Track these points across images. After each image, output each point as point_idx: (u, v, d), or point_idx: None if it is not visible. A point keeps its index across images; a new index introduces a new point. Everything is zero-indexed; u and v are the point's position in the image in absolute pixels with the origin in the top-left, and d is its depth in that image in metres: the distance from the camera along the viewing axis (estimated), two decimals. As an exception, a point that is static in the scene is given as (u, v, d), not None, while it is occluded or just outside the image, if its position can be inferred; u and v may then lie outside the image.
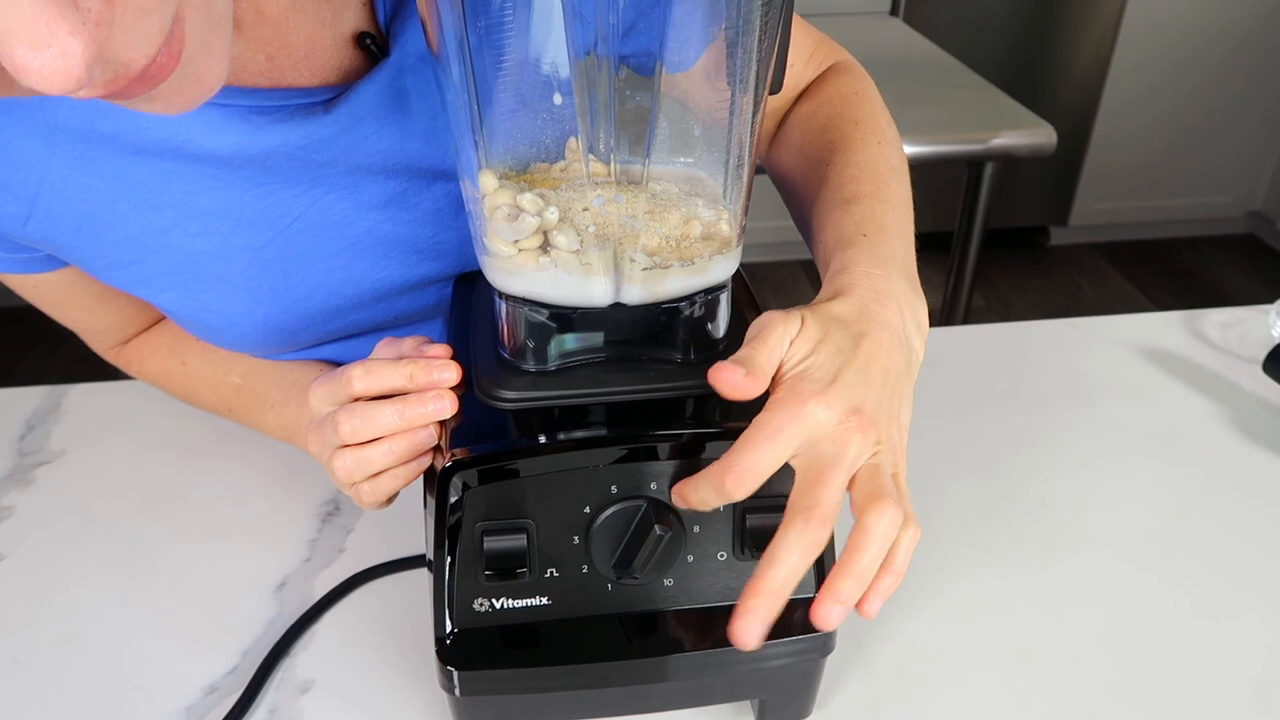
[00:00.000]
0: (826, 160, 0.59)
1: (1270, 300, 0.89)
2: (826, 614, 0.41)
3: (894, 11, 2.57)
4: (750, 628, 0.40)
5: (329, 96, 0.54)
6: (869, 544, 0.41)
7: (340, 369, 0.50)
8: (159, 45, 0.33)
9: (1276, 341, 0.81)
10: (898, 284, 0.48)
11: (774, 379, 0.42)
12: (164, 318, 0.70)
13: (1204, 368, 0.85)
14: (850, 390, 0.42)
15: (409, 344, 0.51)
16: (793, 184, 0.64)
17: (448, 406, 0.48)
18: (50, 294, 0.63)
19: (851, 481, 0.42)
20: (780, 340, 0.42)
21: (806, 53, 0.68)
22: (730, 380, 0.40)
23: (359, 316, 0.63)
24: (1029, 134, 1.57)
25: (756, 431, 0.41)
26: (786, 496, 0.47)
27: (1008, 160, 1.60)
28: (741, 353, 0.42)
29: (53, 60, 0.28)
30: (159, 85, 0.35)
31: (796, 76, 0.68)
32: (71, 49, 0.28)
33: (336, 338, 0.65)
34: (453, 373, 0.48)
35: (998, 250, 2.98)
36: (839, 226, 0.52)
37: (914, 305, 0.49)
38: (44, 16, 0.27)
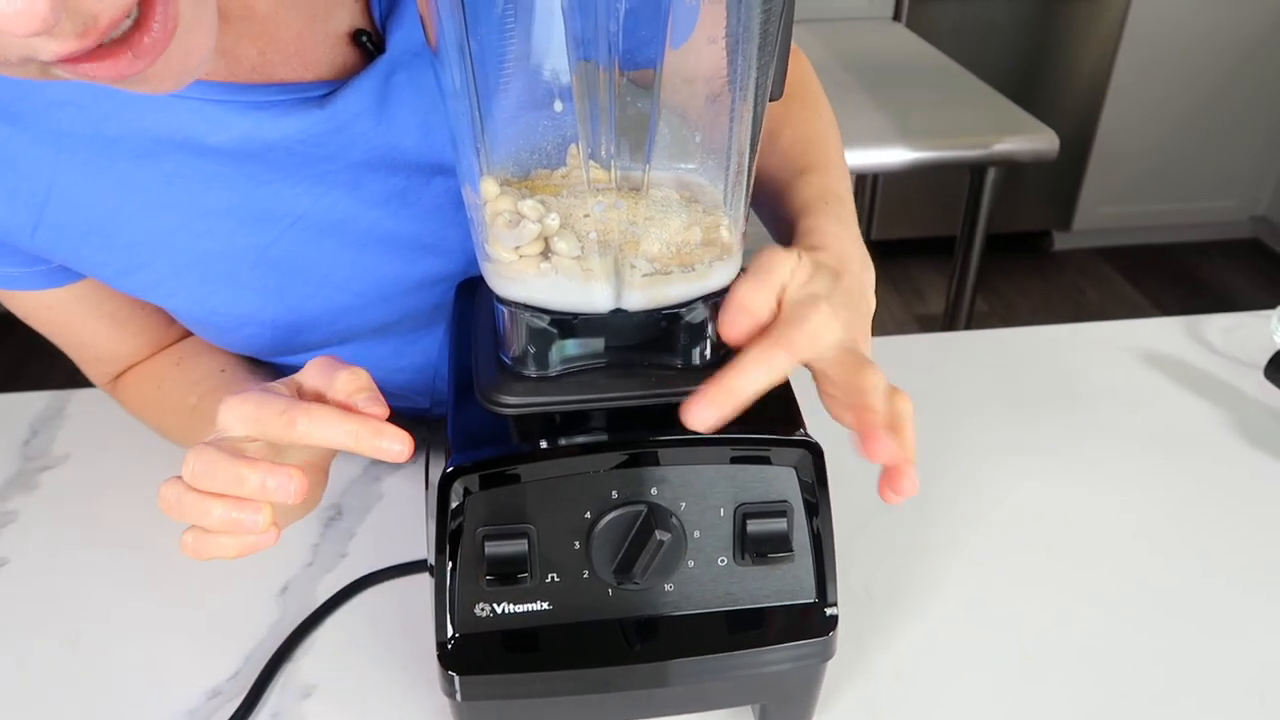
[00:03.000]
0: (776, 132, 0.66)
1: (1273, 305, 0.89)
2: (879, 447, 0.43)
3: (897, 16, 2.57)
4: (702, 412, 0.42)
5: (324, 92, 0.54)
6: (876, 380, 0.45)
7: (278, 395, 0.45)
8: (127, 4, 0.33)
9: (1278, 347, 0.81)
10: (856, 248, 0.54)
11: (778, 305, 0.46)
12: (167, 347, 0.70)
13: (1206, 373, 0.85)
14: (844, 310, 0.47)
15: (345, 380, 0.46)
16: None
17: (294, 489, 0.43)
18: (65, 315, 0.63)
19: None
20: (783, 271, 0.46)
21: None
22: (738, 334, 0.44)
23: (365, 316, 0.63)
24: (1032, 139, 1.58)
25: (787, 320, 0.44)
26: (786, 502, 0.47)
27: (1010, 165, 1.60)
28: (746, 292, 0.44)
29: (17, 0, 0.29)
30: (155, 62, 0.35)
31: None
32: None
33: (343, 339, 0.65)
34: (402, 444, 0.43)
35: (1000, 255, 2.98)
36: (801, 195, 0.59)
37: (868, 265, 0.55)
38: None
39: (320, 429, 0.43)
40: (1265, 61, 2.75)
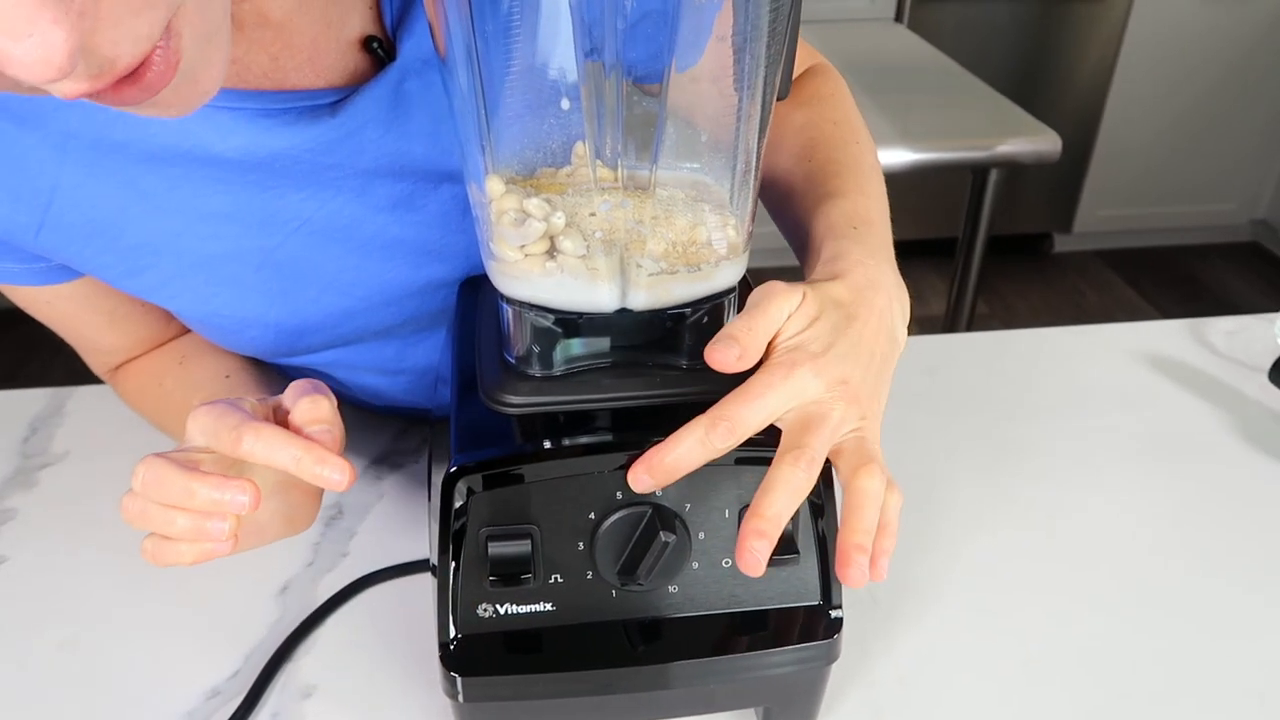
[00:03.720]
0: (807, 156, 0.62)
1: (1274, 308, 0.89)
2: (852, 570, 0.42)
3: (899, 18, 2.57)
4: (756, 548, 0.41)
5: (334, 99, 0.54)
6: (865, 503, 0.43)
7: (237, 410, 0.45)
8: (146, 49, 0.33)
9: (1282, 350, 0.81)
10: (887, 274, 0.50)
11: (769, 347, 0.44)
12: (168, 342, 0.70)
13: (1209, 376, 0.84)
14: (840, 363, 0.44)
15: (303, 408, 0.46)
16: (771, 179, 0.65)
17: (247, 501, 0.43)
18: (64, 309, 0.63)
19: (837, 453, 0.45)
20: (779, 313, 0.44)
21: None
22: (722, 361, 0.42)
23: (368, 320, 0.63)
24: (1034, 141, 1.58)
25: (747, 388, 0.43)
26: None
27: (1012, 167, 1.60)
28: (738, 325, 0.43)
29: (34, 49, 0.28)
30: (157, 94, 0.35)
31: None
32: (53, 38, 0.28)
33: (345, 342, 0.65)
34: (342, 474, 0.43)
35: (1001, 257, 2.98)
36: (828, 218, 0.55)
37: (900, 295, 0.51)
38: (27, 5, 0.27)
39: (265, 449, 0.43)
40: (1265, 65, 2.76)
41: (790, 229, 0.61)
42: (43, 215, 0.54)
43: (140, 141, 0.52)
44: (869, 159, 0.62)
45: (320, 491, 0.54)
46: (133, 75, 0.34)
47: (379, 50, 0.55)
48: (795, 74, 0.70)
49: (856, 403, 0.44)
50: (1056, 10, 2.64)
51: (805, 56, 0.71)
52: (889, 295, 0.49)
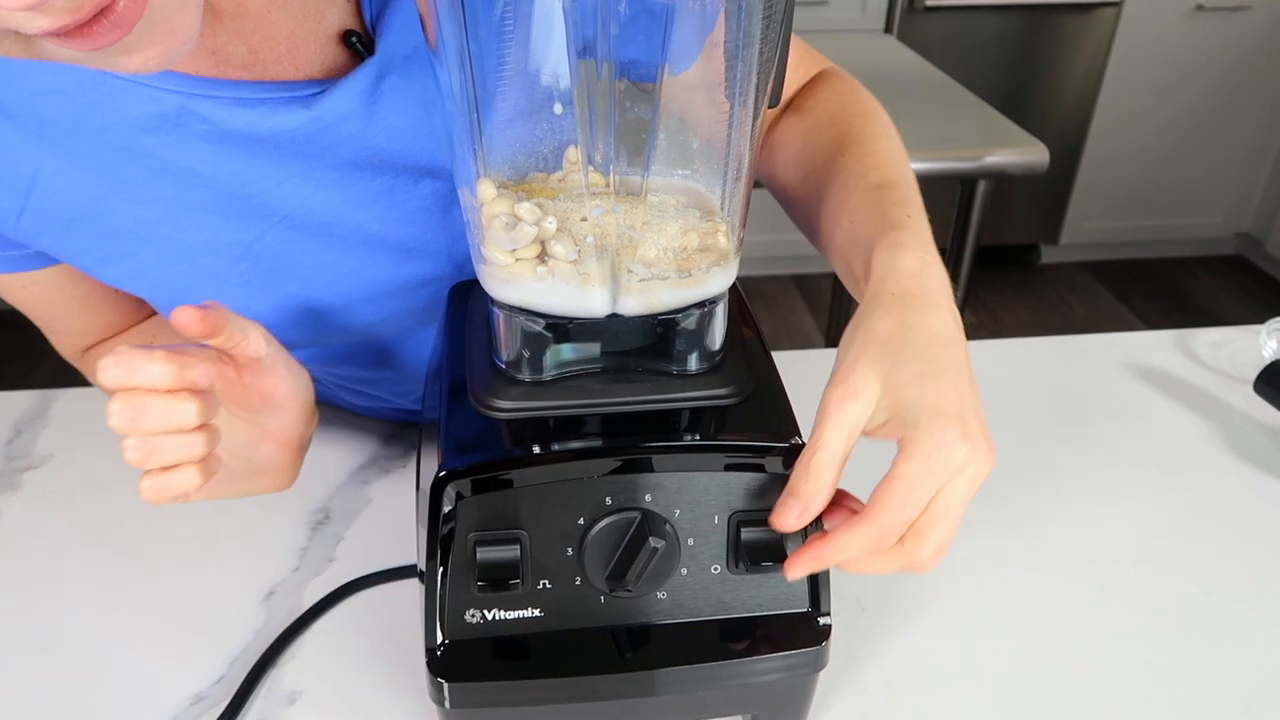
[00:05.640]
0: (840, 151, 0.60)
1: (1259, 321, 0.89)
2: None
3: (888, 29, 2.59)
4: (799, 568, 0.44)
5: (313, 92, 0.54)
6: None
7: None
8: None
9: (1267, 362, 0.82)
10: (938, 269, 0.50)
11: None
12: (139, 323, 0.69)
13: (1195, 386, 0.85)
14: (936, 381, 0.49)
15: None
16: (797, 182, 0.64)
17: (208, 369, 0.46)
18: (38, 294, 0.62)
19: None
20: (837, 437, 0.44)
21: (794, 60, 0.68)
22: (785, 525, 0.44)
23: (349, 316, 0.63)
24: (1022, 152, 1.58)
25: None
26: (780, 510, 0.47)
27: (1000, 178, 1.61)
28: (792, 482, 0.44)
29: None
30: (130, 32, 0.35)
31: (785, 83, 0.68)
32: None
33: (326, 339, 0.65)
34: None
35: (988, 268, 2.99)
36: (880, 208, 0.53)
37: (948, 285, 0.51)
38: None
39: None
40: (1251, 79, 2.78)
41: (827, 224, 0.58)
42: (24, 201, 0.53)
43: (120, 128, 0.52)
44: (902, 151, 0.63)
45: (298, 447, 0.55)
46: (104, 9, 0.34)
47: (358, 45, 0.55)
48: (804, 79, 0.70)
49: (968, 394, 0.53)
50: (1045, 23, 2.66)
51: (815, 62, 0.70)
52: (944, 289, 0.50)
